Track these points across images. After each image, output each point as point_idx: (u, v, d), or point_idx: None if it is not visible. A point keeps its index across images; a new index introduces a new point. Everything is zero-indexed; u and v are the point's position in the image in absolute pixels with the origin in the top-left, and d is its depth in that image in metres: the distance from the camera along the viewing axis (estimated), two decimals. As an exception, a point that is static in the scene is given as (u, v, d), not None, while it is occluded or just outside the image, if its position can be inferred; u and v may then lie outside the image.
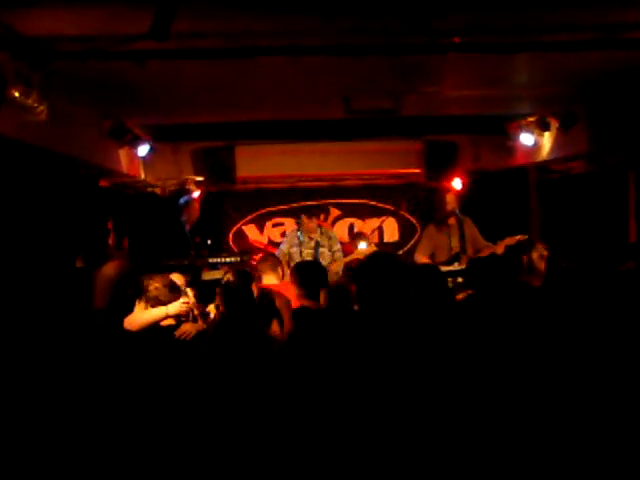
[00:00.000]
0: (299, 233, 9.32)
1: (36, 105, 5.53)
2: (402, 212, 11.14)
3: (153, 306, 4.84)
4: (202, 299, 7.10)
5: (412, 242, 11.37)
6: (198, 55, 5.29)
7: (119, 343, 4.01)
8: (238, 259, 8.46)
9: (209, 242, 9.24)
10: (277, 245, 10.87)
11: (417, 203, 11.32)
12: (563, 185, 9.68)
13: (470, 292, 5.42)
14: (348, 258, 8.99)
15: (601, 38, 5.25)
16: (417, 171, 10.65)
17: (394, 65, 5.91)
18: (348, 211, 11.56)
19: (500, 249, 8.24)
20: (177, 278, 5.69)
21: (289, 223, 11.28)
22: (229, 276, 5.80)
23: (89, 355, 3.81)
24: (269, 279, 6.77)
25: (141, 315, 4.65)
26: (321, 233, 9.39)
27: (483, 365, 3.80)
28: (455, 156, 10.49)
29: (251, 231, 11.55)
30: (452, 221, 8.73)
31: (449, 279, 6.89)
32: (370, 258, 4.21)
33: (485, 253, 8.45)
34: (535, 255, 6.47)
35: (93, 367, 3.79)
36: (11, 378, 3.83)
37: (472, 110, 8.67)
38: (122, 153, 8.58)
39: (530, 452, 3.59)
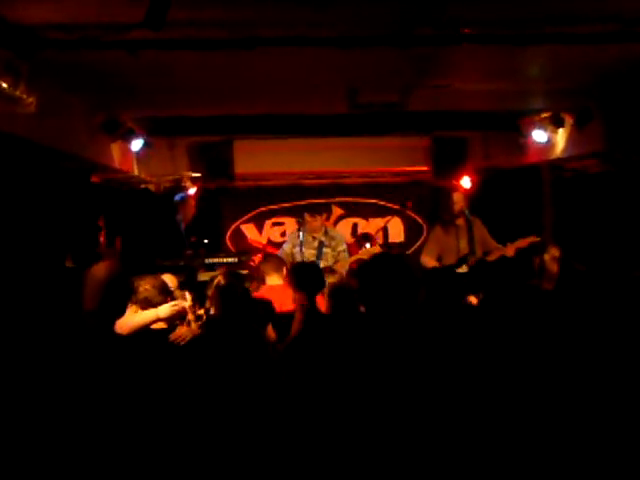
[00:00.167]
0: (300, 233, 9.30)
1: (25, 96, 5.51)
2: (408, 212, 11.11)
3: (143, 308, 4.84)
4: (199, 299, 7.12)
5: (418, 243, 11.36)
6: (195, 45, 5.28)
7: (109, 348, 4.00)
8: (236, 260, 8.47)
9: (205, 242, 9.25)
10: (277, 245, 10.87)
11: (424, 202, 11.29)
12: (577, 185, 9.65)
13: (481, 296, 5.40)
14: (352, 258, 8.98)
15: (619, 31, 5.23)
16: (424, 169, 10.64)
17: (402, 57, 5.90)
18: (351, 210, 11.55)
19: (510, 251, 8.24)
20: (169, 279, 5.69)
21: (289, 222, 11.27)
22: (220, 279, 5.83)
23: (78, 360, 3.80)
24: (273, 280, 6.78)
25: (131, 318, 4.65)
26: (325, 232, 9.34)
27: (494, 372, 3.79)
28: (464, 153, 10.48)
29: (250, 230, 11.54)
30: (460, 222, 8.72)
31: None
32: (375, 259, 4.19)
33: (495, 255, 8.45)
34: (547, 257, 6.47)
35: (82, 373, 3.77)
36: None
37: (483, 105, 8.66)
38: (115, 147, 8.57)
39: (546, 456, 3.61)
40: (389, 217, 10.77)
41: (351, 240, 10.42)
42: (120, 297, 4.24)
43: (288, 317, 5.55)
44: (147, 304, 4.87)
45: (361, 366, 3.59)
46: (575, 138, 8.66)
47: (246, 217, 11.52)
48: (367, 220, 11.53)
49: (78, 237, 8.31)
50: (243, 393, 4.44)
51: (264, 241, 11.34)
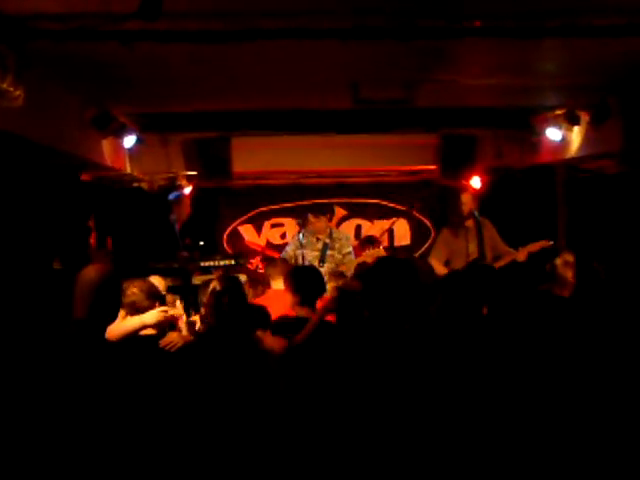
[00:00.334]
0: (301, 235, 9.30)
1: (12, 89, 5.51)
2: (414, 213, 11.14)
3: (130, 313, 4.85)
4: (193, 305, 7.13)
5: (425, 246, 11.39)
6: (191, 37, 5.28)
7: (99, 356, 3.99)
8: (233, 262, 8.48)
9: (201, 243, 9.25)
10: (276, 247, 10.88)
11: (431, 203, 11.33)
12: (593, 186, 9.66)
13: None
14: (355, 261, 8.99)
15: (638, 23, 5.24)
16: (432, 168, 10.64)
17: (408, 50, 5.90)
18: (355, 211, 11.57)
19: (522, 256, 8.25)
20: (158, 282, 5.69)
21: (289, 223, 11.30)
22: (216, 284, 5.81)
23: (67, 371, 3.80)
24: (279, 284, 6.77)
25: (118, 325, 4.65)
26: (330, 234, 9.31)
27: (500, 387, 3.80)
28: (474, 152, 10.47)
29: (247, 232, 11.57)
30: (470, 224, 8.72)
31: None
32: (380, 262, 4.20)
33: (506, 260, 8.45)
34: (559, 262, 6.46)
35: (71, 382, 3.77)
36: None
37: (493, 101, 8.66)
38: (106, 144, 8.57)
39: (567, 468, 3.64)
40: (394, 219, 10.80)
41: (354, 243, 10.42)
42: (111, 302, 4.23)
43: (294, 323, 5.52)
44: (133, 309, 4.89)
45: (357, 378, 3.60)
46: (591, 136, 8.65)
47: (244, 218, 11.54)
48: (371, 222, 11.56)
49: (67, 238, 8.32)
50: (235, 404, 4.45)
51: (263, 243, 11.35)
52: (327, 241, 9.20)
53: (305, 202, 11.18)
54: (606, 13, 5.13)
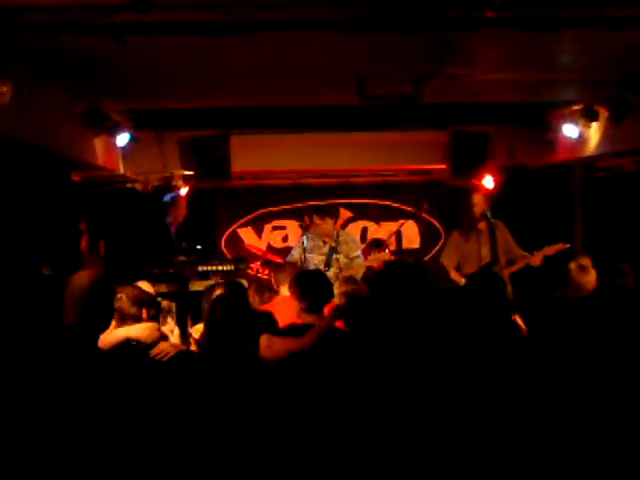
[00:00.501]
0: (304, 238, 9.27)
1: (-2, 85, 5.52)
2: (424, 214, 11.11)
3: (117, 320, 4.86)
4: (190, 312, 7.13)
5: (435, 250, 11.36)
6: (186, 30, 5.27)
7: (91, 364, 3.98)
8: (232, 267, 8.44)
9: (198, 247, 9.22)
10: (278, 251, 10.87)
11: (441, 204, 11.31)
12: (612, 185, 9.64)
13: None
14: (364, 265, 8.98)
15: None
16: (442, 167, 10.62)
17: (417, 43, 5.89)
18: (361, 213, 11.56)
19: (537, 260, 8.24)
20: (145, 288, 5.67)
21: (292, 226, 11.29)
22: (219, 291, 5.79)
23: (57, 380, 3.79)
24: (287, 290, 6.72)
25: (106, 334, 4.65)
26: (337, 237, 9.26)
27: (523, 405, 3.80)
28: (486, 150, 10.45)
29: (247, 235, 11.55)
30: (482, 226, 8.71)
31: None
32: (388, 267, 4.19)
33: (520, 264, 8.44)
34: (573, 266, 6.45)
35: (62, 392, 3.77)
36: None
37: (507, 97, 8.64)
38: (98, 142, 8.57)
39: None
40: (402, 221, 10.77)
41: (361, 246, 10.41)
42: (104, 309, 4.22)
43: (302, 331, 5.49)
44: (120, 316, 4.89)
45: (362, 386, 3.60)
46: (610, 133, 8.64)
47: (243, 220, 11.53)
48: (378, 224, 11.54)
49: (57, 242, 8.31)
50: (223, 420, 4.45)
51: (263, 247, 11.33)
52: (334, 244, 9.13)
53: (308, 203, 11.17)
54: (625, 3, 5.12)
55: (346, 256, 9.11)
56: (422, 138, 10.51)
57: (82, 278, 4.11)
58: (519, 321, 5.24)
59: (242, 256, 10.58)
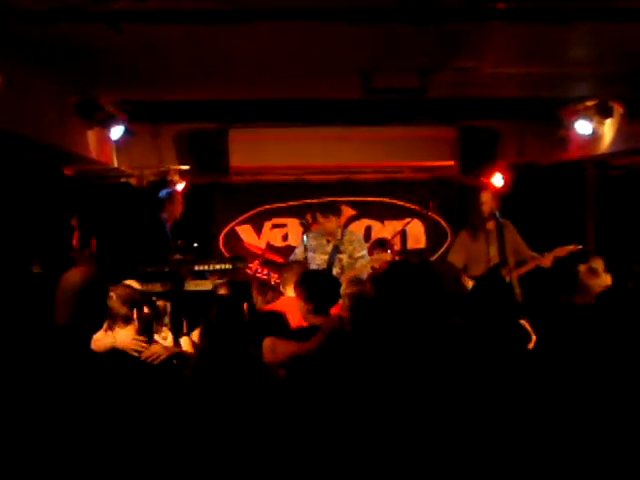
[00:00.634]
0: (305, 236, 9.24)
1: (-12, 75, 5.54)
2: (430, 213, 11.10)
3: (106, 320, 4.87)
4: (185, 311, 7.14)
5: (442, 250, 11.36)
6: (184, 18, 5.28)
7: (83, 365, 3.99)
8: (230, 266, 8.44)
9: (195, 245, 9.23)
10: (277, 250, 10.88)
11: (448, 203, 11.30)
12: (627, 184, 9.65)
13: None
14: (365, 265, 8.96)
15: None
16: (449, 164, 10.64)
17: (424, 35, 5.90)
18: (364, 211, 11.56)
19: (547, 261, 8.22)
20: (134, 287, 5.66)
21: (292, 224, 11.29)
22: (223, 290, 5.78)
23: (48, 381, 3.80)
24: (292, 290, 6.70)
25: (94, 339, 4.66)
26: (342, 236, 9.19)
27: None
28: (495, 147, 10.48)
29: (246, 233, 11.56)
30: (490, 226, 8.70)
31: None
32: (393, 268, 4.19)
33: (529, 266, 8.44)
34: (583, 269, 6.43)
35: (53, 394, 3.78)
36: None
37: (517, 91, 8.65)
38: (91, 135, 8.58)
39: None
40: (408, 219, 10.79)
41: (366, 246, 10.40)
42: (97, 308, 4.23)
43: (309, 333, 5.50)
44: (110, 316, 4.90)
45: (365, 390, 3.61)
46: (625, 130, 8.65)
47: (242, 217, 11.53)
48: (382, 223, 11.54)
49: (47, 239, 8.32)
50: (221, 430, 4.45)
51: (263, 245, 11.33)
52: (338, 243, 9.06)
53: (309, 200, 11.17)
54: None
55: (350, 256, 9.01)
56: (428, 134, 10.52)
57: (74, 276, 4.11)
58: (527, 327, 5.23)
59: (240, 255, 10.59)
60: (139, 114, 9.28)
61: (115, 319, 4.97)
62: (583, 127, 9.14)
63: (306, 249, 9.01)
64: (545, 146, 10.26)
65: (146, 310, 5.54)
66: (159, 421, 4.23)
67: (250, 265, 10.72)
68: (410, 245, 11.45)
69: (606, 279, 6.20)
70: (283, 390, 4.94)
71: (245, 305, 5.61)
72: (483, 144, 10.39)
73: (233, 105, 9.41)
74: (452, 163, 10.58)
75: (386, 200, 11.52)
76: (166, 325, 6.41)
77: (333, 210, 9.08)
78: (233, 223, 11.53)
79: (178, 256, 8.47)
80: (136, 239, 9.15)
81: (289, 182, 11.24)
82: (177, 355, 5.14)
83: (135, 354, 4.95)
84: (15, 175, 7.58)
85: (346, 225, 11.24)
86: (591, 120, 8.99)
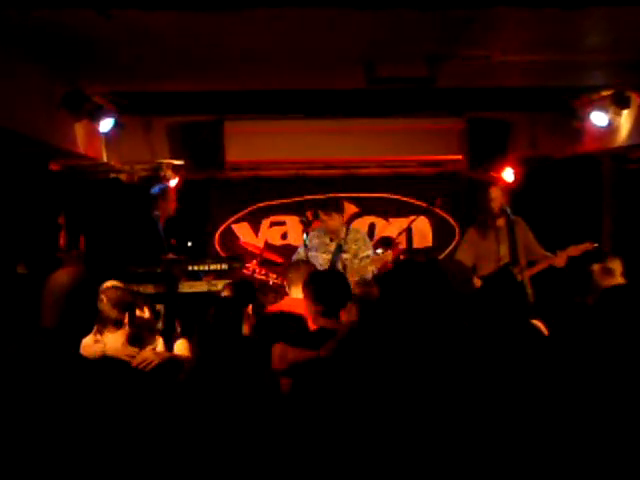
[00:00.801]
0: (305, 235, 9.19)
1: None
2: (437, 210, 11.10)
3: (97, 323, 4.86)
4: (179, 314, 7.14)
5: (449, 249, 11.35)
6: (176, 4, 5.28)
7: (72, 372, 3.99)
8: (226, 267, 8.44)
9: (189, 244, 9.24)
10: (276, 249, 10.86)
11: (456, 199, 11.30)
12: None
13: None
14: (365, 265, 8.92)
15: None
16: (457, 157, 10.64)
17: (430, 21, 5.90)
18: (367, 208, 11.55)
19: (561, 261, 8.21)
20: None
21: (292, 222, 11.28)
22: (226, 292, 5.78)
23: (35, 387, 3.79)
24: (299, 292, 6.66)
25: (84, 345, 4.65)
26: (347, 234, 9.04)
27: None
28: (506, 139, 10.47)
29: (243, 231, 11.55)
30: (500, 223, 8.68)
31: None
32: (398, 267, 4.19)
33: (542, 265, 8.43)
34: (597, 268, 6.41)
35: (39, 401, 3.77)
36: None
37: (529, 81, 8.65)
38: (78, 128, 8.58)
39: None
40: (413, 217, 10.74)
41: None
42: (86, 310, 4.22)
43: (318, 336, 5.49)
44: (100, 319, 4.90)
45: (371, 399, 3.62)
46: (643, 122, 8.67)
47: (239, 215, 11.52)
48: (387, 220, 11.53)
49: (33, 238, 8.32)
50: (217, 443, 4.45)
51: (261, 244, 11.31)
52: (341, 242, 8.98)
53: (309, 197, 11.16)
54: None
55: (354, 256, 8.93)
56: (436, 126, 10.52)
57: (61, 277, 4.11)
58: (542, 327, 5.22)
59: (237, 254, 10.59)
60: (129, 106, 9.28)
61: (105, 323, 4.97)
62: (599, 118, 9.14)
63: (308, 248, 8.93)
64: (558, 139, 10.26)
65: (147, 314, 5.54)
66: (151, 430, 4.23)
67: (247, 265, 10.70)
68: (416, 243, 11.43)
69: (621, 280, 6.20)
70: (287, 401, 4.93)
71: (250, 307, 5.64)
72: (493, 136, 10.38)
73: (229, 96, 9.40)
74: (460, 157, 10.58)
75: (390, 196, 11.51)
76: (158, 330, 6.41)
77: (336, 207, 8.98)
78: (229, 221, 11.53)
79: (171, 256, 8.49)
80: (127, 238, 9.16)
81: (288, 177, 11.24)
82: (170, 361, 5.13)
83: (127, 359, 4.95)
84: (-1, 171, 7.58)
85: (349, 222, 11.24)
86: (607, 111, 8.98)
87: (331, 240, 8.91)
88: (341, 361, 4.57)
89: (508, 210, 8.62)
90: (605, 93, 8.94)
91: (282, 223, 11.54)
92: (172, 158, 10.30)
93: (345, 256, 8.83)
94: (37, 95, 7.57)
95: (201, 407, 4.55)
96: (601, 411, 3.90)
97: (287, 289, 7.18)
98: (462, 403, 3.56)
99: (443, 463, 3.46)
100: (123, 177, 10.46)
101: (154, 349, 5.67)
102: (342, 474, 3.60)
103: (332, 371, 4.48)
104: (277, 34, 6.41)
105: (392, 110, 10.00)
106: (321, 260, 8.75)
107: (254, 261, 10.50)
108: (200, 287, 7.88)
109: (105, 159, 9.58)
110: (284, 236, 11.53)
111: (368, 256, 8.85)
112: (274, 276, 9.61)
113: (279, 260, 9.96)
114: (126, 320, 5.06)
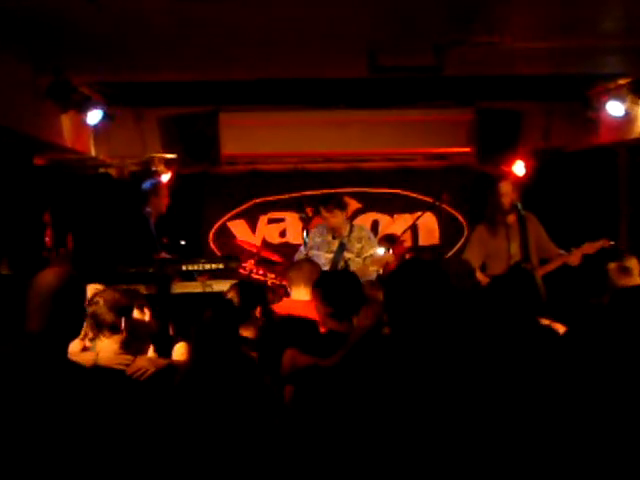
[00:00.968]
0: (305, 233, 9.17)
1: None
2: (444, 206, 11.08)
3: (91, 327, 4.85)
4: (172, 317, 7.14)
5: (457, 247, 11.36)
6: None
7: (59, 379, 3.97)
8: (221, 266, 8.43)
9: (182, 243, 9.23)
10: (274, 248, 10.86)
11: (465, 194, 11.30)
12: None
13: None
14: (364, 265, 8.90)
15: None
16: (465, 150, 10.63)
17: (437, 5, 5.89)
18: (371, 203, 11.56)
19: (575, 259, 8.20)
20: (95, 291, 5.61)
21: (291, 218, 11.28)
22: (232, 294, 5.76)
23: (20, 393, 3.79)
24: (300, 293, 6.63)
25: (72, 352, 4.64)
26: (350, 231, 9.03)
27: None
28: (518, 131, 10.45)
29: (239, 228, 11.56)
30: (511, 219, 8.67)
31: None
32: (403, 267, 4.18)
33: (555, 263, 8.41)
34: (613, 267, 6.41)
35: (24, 409, 3.76)
36: None
37: (542, 69, 8.64)
38: (65, 120, 8.57)
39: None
40: (419, 213, 10.74)
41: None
42: (74, 312, 4.21)
43: (327, 339, 5.47)
44: (95, 323, 4.89)
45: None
46: (662, 112, 8.66)
47: (235, 211, 11.54)
48: (391, 216, 11.54)
49: (17, 237, 8.31)
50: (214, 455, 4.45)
51: (258, 242, 11.33)
52: (345, 240, 8.94)
53: (309, 192, 11.16)
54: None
55: (358, 255, 8.89)
56: (443, 117, 10.51)
57: (48, 277, 4.09)
58: (557, 328, 5.22)
59: (233, 253, 10.56)
60: (119, 97, 9.28)
61: (100, 327, 4.94)
62: (615, 108, 9.14)
63: (308, 246, 8.90)
64: (572, 130, 10.26)
65: (147, 316, 5.53)
66: (145, 440, 4.22)
67: (244, 264, 10.70)
68: (422, 241, 11.46)
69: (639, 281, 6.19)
70: (286, 408, 4.92)
71: (258, 309, 5.63)
72: (503, 128, 10.36)
73: (224, 86, 9.39)
74: (469, 149, 10.58)
75: (395, 191, 11.52)
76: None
77: (338, 203, 8.92)
78: (225, 218, 11.54)
79: (164, 255, 8.48)
80: (116, 236, 9.15)
81: (287, 171, 11.25)
82: (168, 368, 5.11)
83: (121, 367, 4.93)
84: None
85: (351, 219, 11.23)
86: (624, 100, 8.98)
87: (334, 238, 8.87)
88: (345, 370, 4.57)
89: (519, 206, 8.61)
90: (622, 81, 8.94)
91: (280, 220, 11.55)
92: (164, 152, 10.30)
93: (348, 255, 8.80)
94: (20, 86, 7.56)
95: (195, 414, 4.55)
96: (615, 413, 3.91)
97: (288, 289, 7.16)
98: (472, 415, 3.56)
99: (450, 474, 3.47)
100: (112, 172, 10.46)
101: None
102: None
103: (332, 380, 4.48)
104: (275, 20, 6.40)
105: (397, 100, 9.99)
106: (323, 259, 8.70)
107: (251, 260, 10.49)
108: (194, 288, 7.87)
109: (93, 153, 9.58)
110: (282, 234, 11.53)
111: (372, 255, 8.82)
112: (272, 276, 9.60)
113: (277, 259, 9.94)
114: (122, 325, 5.04)
